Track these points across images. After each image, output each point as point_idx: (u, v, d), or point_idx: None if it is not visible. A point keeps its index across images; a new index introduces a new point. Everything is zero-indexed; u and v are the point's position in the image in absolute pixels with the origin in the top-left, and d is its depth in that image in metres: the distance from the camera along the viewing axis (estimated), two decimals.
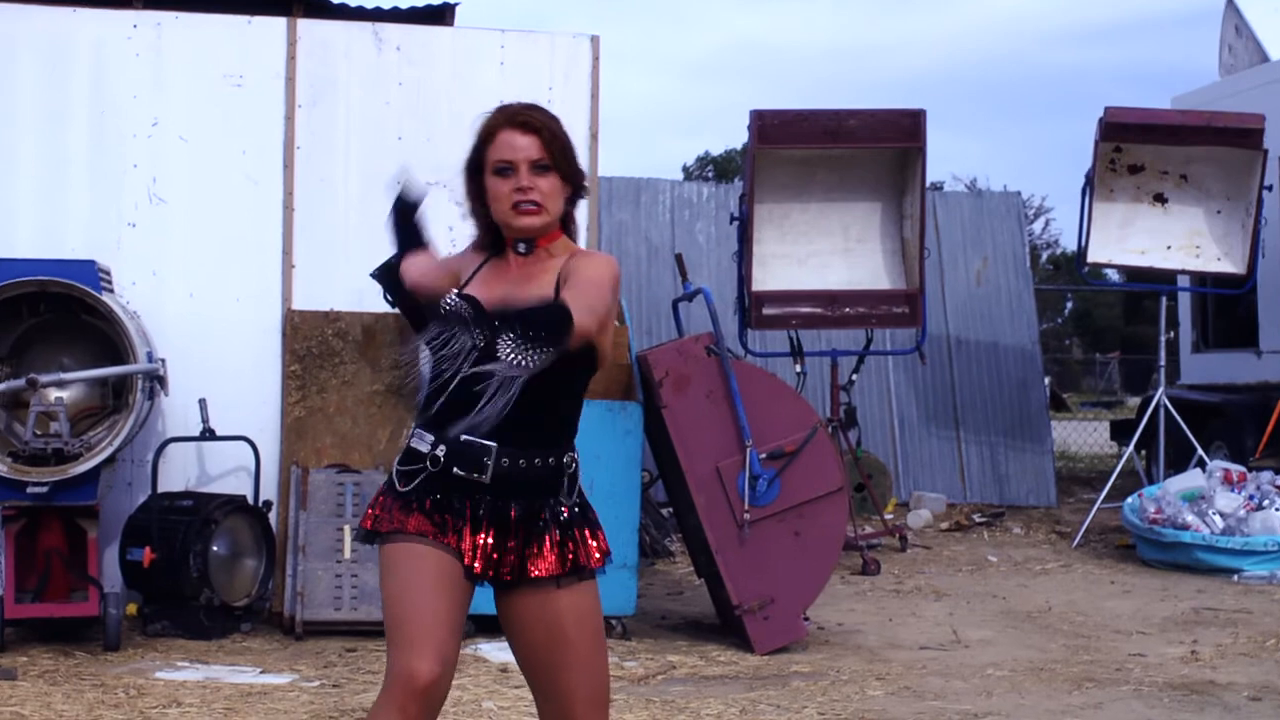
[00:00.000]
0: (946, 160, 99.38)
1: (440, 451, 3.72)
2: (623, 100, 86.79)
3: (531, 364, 3.46)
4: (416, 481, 3.74)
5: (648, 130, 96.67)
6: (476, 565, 3.73)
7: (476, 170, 3.83)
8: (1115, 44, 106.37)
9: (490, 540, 3.73)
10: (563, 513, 3.78)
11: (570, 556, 3.76)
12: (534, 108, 3.86)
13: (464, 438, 3.70)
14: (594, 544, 3.81)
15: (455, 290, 3.74)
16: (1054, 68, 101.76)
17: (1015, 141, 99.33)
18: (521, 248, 3.81)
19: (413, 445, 3.78)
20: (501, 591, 3.81)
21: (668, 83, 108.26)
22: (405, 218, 4.12)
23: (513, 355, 3.44)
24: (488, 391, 3.56)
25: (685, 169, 54.10)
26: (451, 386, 3.64)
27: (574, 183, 3.84)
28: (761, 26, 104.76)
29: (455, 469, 3.72)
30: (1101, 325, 51.09)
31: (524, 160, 3.75)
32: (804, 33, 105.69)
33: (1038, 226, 51.25)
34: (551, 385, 3.66)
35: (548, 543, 3.75)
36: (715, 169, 51.79)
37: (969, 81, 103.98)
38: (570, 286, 3.64)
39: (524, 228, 3.78)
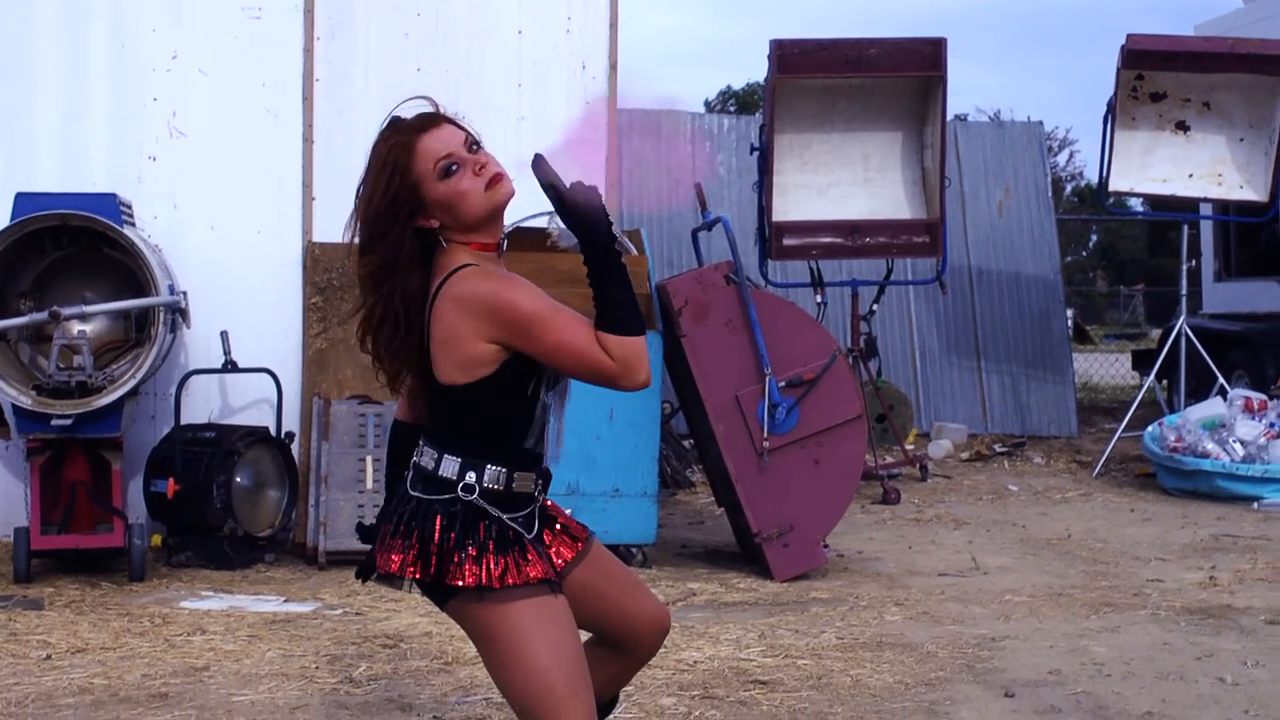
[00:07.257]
0: (970, 92, 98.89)
1: (538, 487, 3.61)
2: (644, 34, 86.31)
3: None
4: (521, 518, 3.57)
5: (669, 64, 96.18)
6: (558, 566, 3.66)
7: (410, 204, 3.48)
8: None
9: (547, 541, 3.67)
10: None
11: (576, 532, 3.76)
12: (421, 112, 3.58)
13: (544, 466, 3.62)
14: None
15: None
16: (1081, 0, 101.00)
17: (1039, 75, 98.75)
18: (504, 244, 3.60)
19: (516, 489, 3.54)
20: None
21: (689, 16, 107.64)
22: None
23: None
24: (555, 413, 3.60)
25: (707, 103, 53.80)
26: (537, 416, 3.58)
27: None
28: None
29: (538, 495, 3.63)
30: (1126, 258, 50.81)
31: (459, 145, 3.50)
32: None
33: (1062, 159, 51.02)
34: None
35: (558, 526, 3.72)
36: (737, 102, 51.50)
37: (994, 14, 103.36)
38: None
39: (508, 194, 3.51)
